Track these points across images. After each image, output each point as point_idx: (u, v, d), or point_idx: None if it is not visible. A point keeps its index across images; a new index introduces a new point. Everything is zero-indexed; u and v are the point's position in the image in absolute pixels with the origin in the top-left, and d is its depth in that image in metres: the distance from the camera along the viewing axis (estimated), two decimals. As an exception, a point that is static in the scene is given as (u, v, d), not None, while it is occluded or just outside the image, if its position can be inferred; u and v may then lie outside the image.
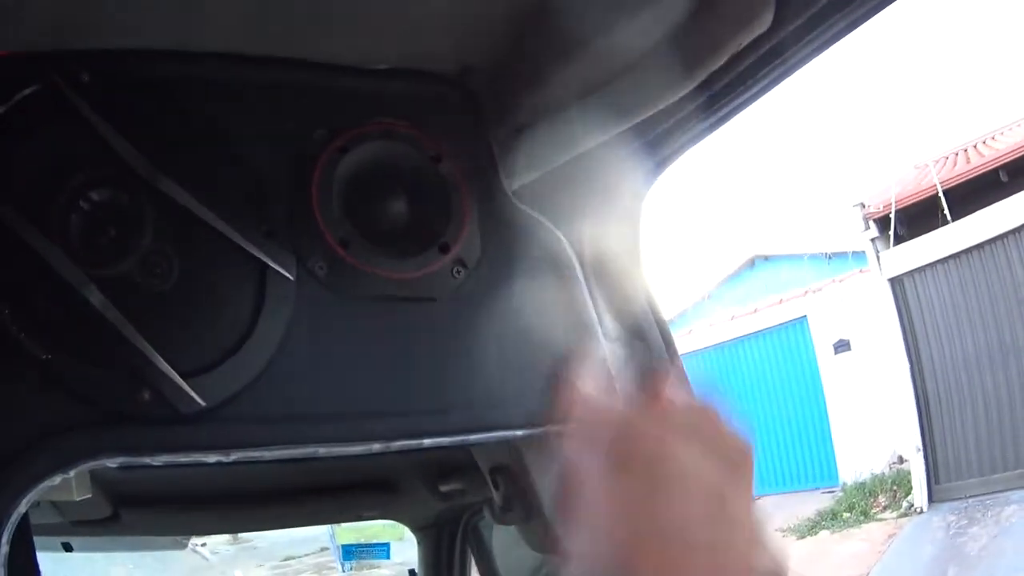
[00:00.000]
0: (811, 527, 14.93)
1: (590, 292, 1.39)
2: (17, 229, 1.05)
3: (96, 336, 1.07)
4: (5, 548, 1.05)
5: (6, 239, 1.05)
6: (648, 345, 1.43)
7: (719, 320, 19.15)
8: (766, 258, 20.41)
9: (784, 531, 15.10)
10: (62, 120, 1.10)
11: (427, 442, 1.20)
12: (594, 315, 1.29)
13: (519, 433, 1.23)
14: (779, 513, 16.08)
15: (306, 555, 14.69)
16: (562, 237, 1.30)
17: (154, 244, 1.12)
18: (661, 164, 1.40)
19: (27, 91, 1.11)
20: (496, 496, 1.49)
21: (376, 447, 1.18)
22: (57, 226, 1.08)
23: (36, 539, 2.70)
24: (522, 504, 1.44)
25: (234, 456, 1.12)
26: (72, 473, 1.08)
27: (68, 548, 2.94)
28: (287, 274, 1.17)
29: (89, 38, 1.15)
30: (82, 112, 1.10)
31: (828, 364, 16.78)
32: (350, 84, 1.28)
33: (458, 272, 1.26)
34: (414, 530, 3.33)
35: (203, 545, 18.48)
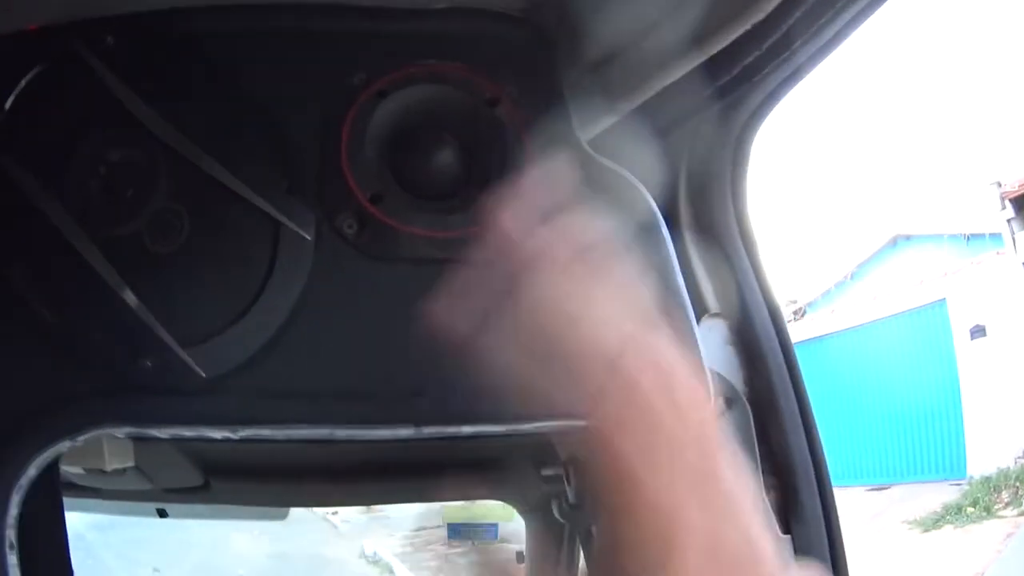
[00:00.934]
0: (935, 521, 14.75)
1: (683, 257, 1.29)
2: (29, 193, 1.03)
3: (99, 301, 1.03)
4: (15, 511, 1.04)
5: (18, 202, 1.03)
6: (752, 323, 1.31)
7: (860, 300, 18.98)
8: (908, 237, 20.14)
9: (910, 523, 14.95)
10: (81, 86, 1.08)
11: (466, 429, 1.09)
12: (681, 284, 1.13)
13: (581, 424, 1.08)
14: (906, 504, 15.96)
15: (437, 527, 14.87)
16: (646, 193, 1.14)
17: (165, 204, 1.07)
18: (762, 107, 1.27)
19: (48, 62, 1.10)
20: (568, 490, 1.38)
21: (404, 432, 1.08)
22: (69, 189, 1.05)
23: (131, 504, 2.76)
24: (592, 503, 1.30)
25: (242, 433, 1.06)
26: (80, 441, 1.05)
27: (163, 514, 3.00)
28: (303, 233, 1.07)
29: (116, 4, 1.12)
30: (100, 76, 1.07)
31: (964, 350, 16.51)
32: (397, 27, 1.17)
33: None
34: (521, 512, 3.29)
35: (334, 514, 18.92)
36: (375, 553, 16.47)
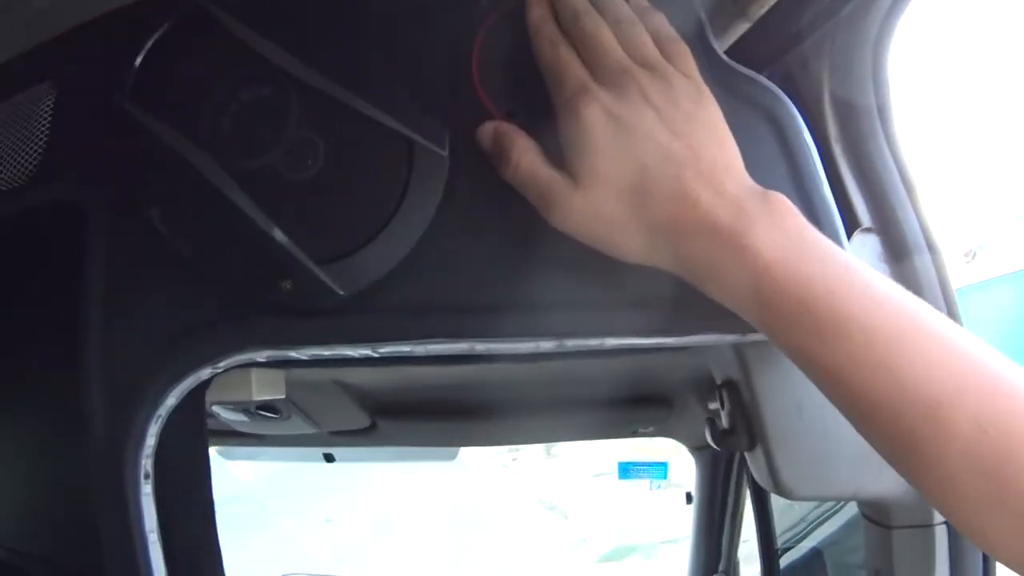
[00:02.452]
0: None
1: (832, 170, 1.28)
2: (165, 137, 1.06)
3: (237, 230, 1.04)
4: (152, 440, 1.08)
5: (155, 150, 1.06)
6: (905, 238, 1.27)
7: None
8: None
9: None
10: (207, 34, 1.09)
11: (610, 342, 1.07)
12: (829, 196, 1.10)
13: (728, 338, 1.07)
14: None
15: (612, 473, 14.90)
16: (787, 100, 1.12)
17: (298, 133, 1.08)
18: (896, 4, 1.21)
19: (174, 17, 1.13)
20: (722, 415, 1.36)
21: (545, 345, 1.08)
22: (203, 132, 1.08)
23: (299, 450, 2.83)
24: (746, 428, 1.28)
25: (383, 350, 1.09)
26: (222, 367, 1.09)
27: (329, 459, 3.06)
28: (438, 149, 1.07)
29: None
30: (222, 21, 1.08)
31: None
32: None
33: None
34: (691, 449, 3.29)
35: (514, 460, 19.02)
36: (552, 499, 16.53)
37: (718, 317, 1.02)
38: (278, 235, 1.03)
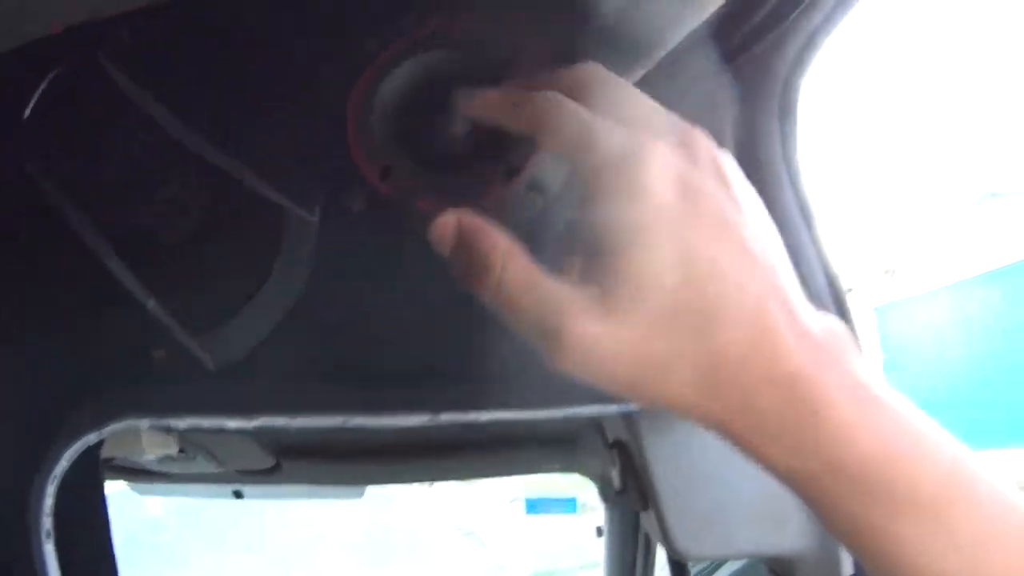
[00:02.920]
0: (1041, 485, 14.58)
1: None
2: (47, 193, 1.06)
3: (113, 296, 1.04)
4: (50, 500, 1.07)
5: (39, 204, 1.07)
6: (804, 278, 1.24)
7: (951, 259, 18.83)
8: (996, 194, 19.89)
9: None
10: (96, 87, 1.08)
11: (485, 416, 1.05)
12: None
13: (612, 409, 1.07)
14: (1002, 474, 15.82)
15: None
16: None
17: (174, 196, 1.07)
18: (806, 50, 1.21)
19: (65, 66, 1.12)
20: (614, 473, 1.35)
21: (418, 420, 1.05)
22: (85, 189, 1.07)
23: (208, 486, 2.81)
24: (638, 489, 1.28)
25: (255, 423, 1.06)
26: (107, 432, 1.06)
27: (239, 495, 3.09)
28: (307, 215, 1.05)
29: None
30: (111, 75, 1.07)
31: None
32: None
33: (533, 201, 1.02)
34: (598, 485, 3.29)
35: (429, 486, 19.12)
36: (469, 526, 16.65)
37: (601, 392, 0.99)
38: (151, 303, 1.02)
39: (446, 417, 1.05)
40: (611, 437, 1.36)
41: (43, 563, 1.06)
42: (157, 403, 1.06)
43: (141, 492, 3.53)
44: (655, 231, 0.63)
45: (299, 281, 1.06)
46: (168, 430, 1.18)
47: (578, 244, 0.71)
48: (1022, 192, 18.22)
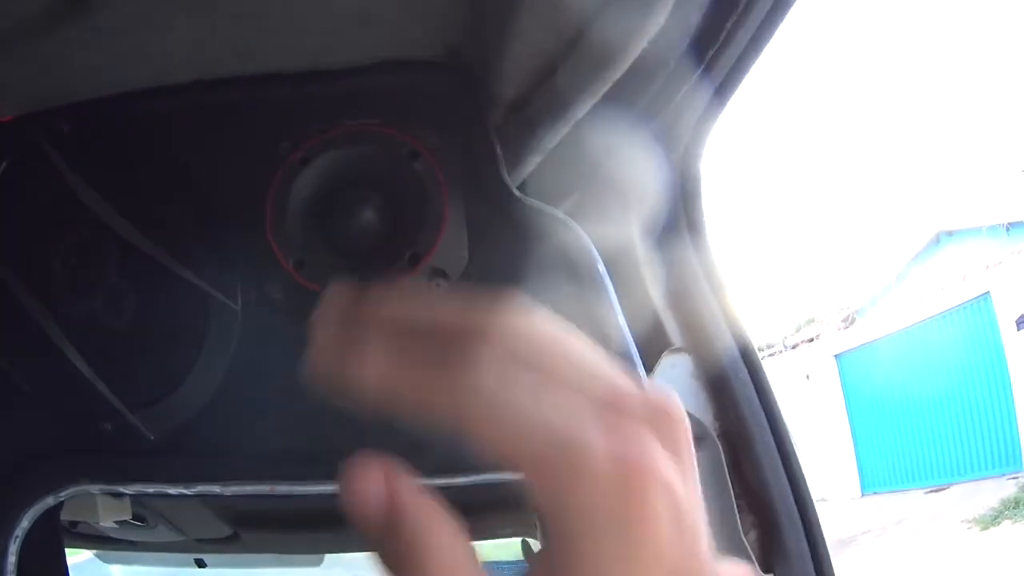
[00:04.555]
0: (994, 517, 14.52)
1: (640, 290, 1.30)
2: (7, 283, 1.12)
3: (64, 373, 1.10)
4: (12, 559, 1.12)
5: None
6: (718, 354, 1.29)
7: (907, 302, 18.87)
8: (950, 233, 19.96)
9: (969, 522, 14.80)
10: (42, 175, 1.15)
11: None
12: (622, 325, 1.12)
13: (519, 475, 1.08)
14: (965, 503, 15.81)
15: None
16: (581, 233, 1.14)
17: (116, 283, 1.14)
18: (704, 118, 1.25)
19: (13, 155, 1.18)
20: (539, 535, 1.38)
21: (338, 487, 1.07)
22: (34, 274, 1.13)
23: (170, 555, 2.77)
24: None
25: (195, 490, 1.14)
26: (63, 496, 1.14)
27: (201, 564, 3.10)
28: (230, 303, 1.13)
29: (72, 94, 1.18)
30: (56, 164, 1.14)
31: (1011, 341, 16.37)
32: (321, 90, 1.19)
33: (439, 284, 1.12)
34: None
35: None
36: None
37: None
38: (95, 381, 1.09)
39: None
40: (530, 505, 1.39)
41: None
42: (106, 471, 1.13)
43: (107, 560, 3.53)
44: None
45: (223, 363, 1.13)
46: (118, 495, 1.24)
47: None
48: (976, 228, 18.32)
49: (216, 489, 1.13)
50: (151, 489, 1.15)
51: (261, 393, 1.13)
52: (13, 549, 1.12)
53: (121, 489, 1.16)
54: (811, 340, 21.14)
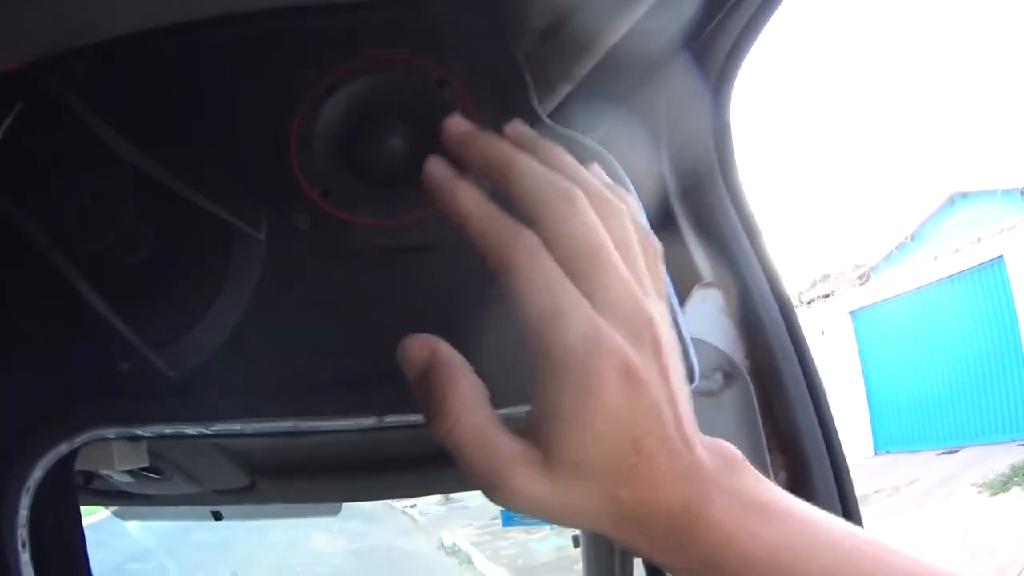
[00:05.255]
0: (1004, 483, 14.59)
1: (671, 225, 1.30)
2: (15, 220, 1.09)
3: (78, 314, 1.08)
4: (25, 512, 1.10)
5: (7, 230, 1.09)
6: (750, 290, 1.29)
7: (922, 262, 18.88)
8: (965, 195, 19.97)
9: (979, 487, 14.86)
10: (57, 117, 1.13)
11: None
12: None
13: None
14: (976, 467, 15.87)
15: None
16: (613, 161, 1.12)
17: (133, 219, 1.11)
18: (736, 49, 1.23)
19: (27, 99, 1.14)
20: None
21: (367, 422, 1.10)
22: (49, 215, 1.10)
23: (186, 508, 2.80)
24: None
25: (215, 428, 1.11)
26: (78, 443, 1.10)
27: (218, 516, 3.16)
28: (254, 232, 1.11)
29: (86, 37, 1.15)
30: (70, 104, 1.11)
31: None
32: (346, 21, 1.17)
33: None
34: None
35: (413, 507, 19.01)
36: (454, 544, 16.55)
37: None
38: (112, 319, 1.06)
39: (391, 419, 1.09)
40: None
41: (19, 573, 1.09)
42: (123, 413, 1.10)
43: (123, 517, 3.54)
44: (600, 423, 0.71)
45: (245, 297, 1.11)
46: (135, 439, 1.20)
47: (533, 392, 0.78)
48: (990, 191, 18.31)
49: (237, 427, 1.11)
50: (169, 430, 1.12)
51: (285, 326, 1.12)
52: (25, 502, 1.10)
53: (139, 432, 1.12)
54: (826, 296, 21.20)
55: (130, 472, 2.30)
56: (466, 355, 0.97)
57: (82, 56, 1.14)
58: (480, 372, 0.98)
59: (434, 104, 1.12)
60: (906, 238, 20.59)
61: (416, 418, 1.08)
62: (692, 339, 1.07)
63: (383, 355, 1.05)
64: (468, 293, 1.09)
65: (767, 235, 1.30)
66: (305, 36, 1.16)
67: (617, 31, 1.10)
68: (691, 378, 1.05)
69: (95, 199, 1.11)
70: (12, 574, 1.09)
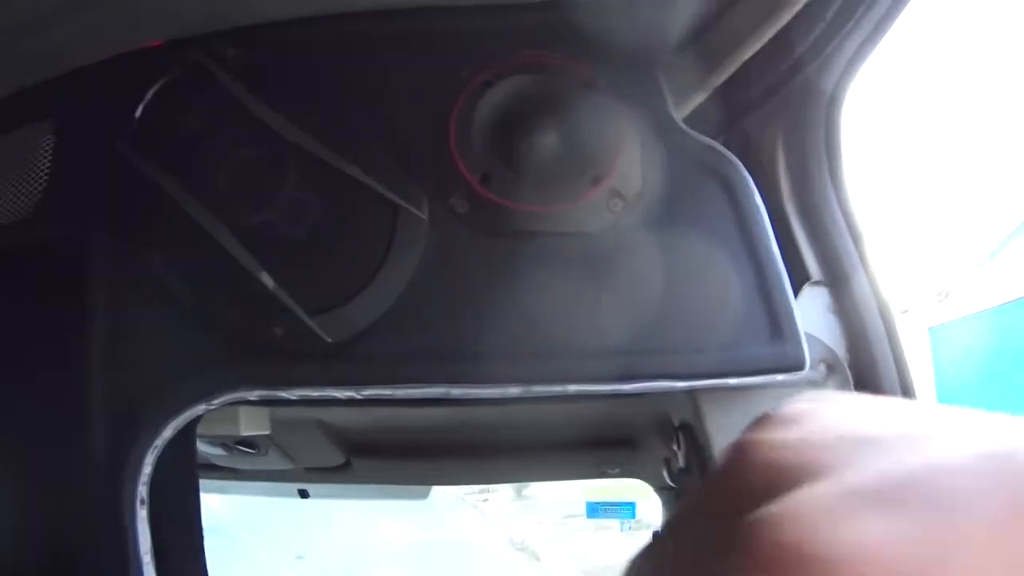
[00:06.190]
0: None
1: (783, 227, 1.33)
2: (167, 188, 1.15)
3: (234, 279, 1.14)
4: (148, 469, 1.16)
5: (158, 197, 1.15)
6: (852, 290, 1.33)
7: (1002, 278, 18.55)
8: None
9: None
10: (206, 93, 1.19)
11: (572, 389, 1.14)
12: (776, 253, 1.17)
13: (680, 385, 1.14)
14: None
15: (584, 514, 14.79)
16: (741, 168, 1.19)
17: (294, 194, 1.17)
18: (851, 65, 1.28)
19: (174, 72, 1.22)
20: (679, 454, 1.43)
21: (513, 391, 1.15)
22: (202, 185, 1.16)
23: (274, 484, 2.80)
24: (700, 467, 1.36)
25: (365, 392, 1.16)
26: (216, 404, 1.17)
27: (304, 495, 3.12)
28: (418, 213, 1.17)
29: (236, 19, 1.22)
30: (224, 83, 1.18)
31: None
32: (498, 23, 1.24)
33: (615, 204, 1.17)
34: (656, 489, 3.31)
35: (485, 501, 18.87)
36: (523, 540, 16.42)
37: (670, 365, 1.11)
38: (271, 285, 1.12)
39: (538, 389, 1.14)
40: (676, 421, 1.44)
41: (135, 529, 1.15)
42: (271, 376, 1.16)
43: (205, 490, 3.56)
44: None
45: (408, 271, 1.16)
46: (275, 402, 1.22)
47: None
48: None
49: (388, 392, 1.16)
50: (316, 393, 1.16)
51: (442, 303, 1.17)
52: (150, 459, 1.16)
53: (284, 394, 1.17)
54: (904, 311, 20.92)
55: (224, 445, 2.37)
56: (608, 334, 1.05)
57: (228, 39, 1.21)
58: (619, 351, 1.06)
59: (584, 104, 1.20)
60: (987, 255, 20.22)
61: (559, 388, 1.15)
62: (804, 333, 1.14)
63: (532, 330, 1.14)
64: (617, 276, 1.17)
65: (870, 240, 1.36)
66: (461, 35, 1.24)
67: (749, 48, 1.17)
68: (802, 367, 1.11)
69: (254, 172, 1.18)
70: (128, 530, 1.14)
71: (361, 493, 3.31)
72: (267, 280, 1.13)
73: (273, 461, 2.56)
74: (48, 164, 1.25)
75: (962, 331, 19.00)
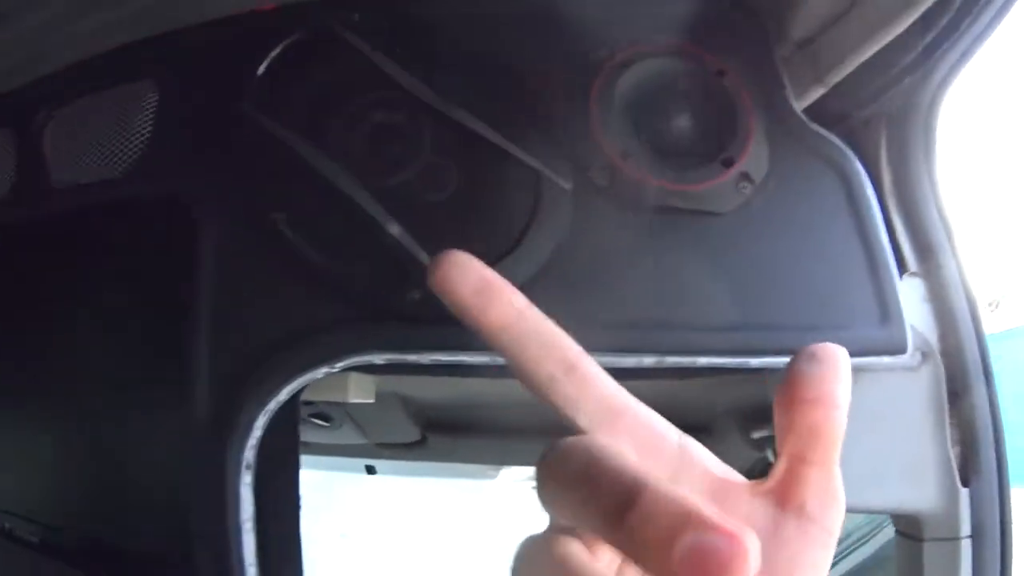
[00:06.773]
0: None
1: (887, 219, 1.35)
2: (296, 148, 1.15)
3: (369, 241, 1.14)
4: (258, 432, 1.14)
5: (284, 157, 1.15)
6: (945, 282, 1.38)
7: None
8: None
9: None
10: (336, 55, 1.21)
11: (702, 360, 1.17)
12: (887, 245, 1.23)
13: (783, 360, 1.17)
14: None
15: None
16: (855, 160, 1.25)
17: (433, 158, 1.19)
18: (955, 68, 1.31)
19: (299, 34, 1.24)
20: (769, 453, 1.45)
21: (648, 360, 1.16)
22: (333, 146, 1.17)
23: (340, 459, 2.78)
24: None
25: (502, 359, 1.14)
26: (339, 367, 1.15)
27: (371, 471, 3.17)
28: (562, 183, 1.19)
29: None
30: (356, 46, 1.20)
31: None
32: (632, 10, 1.29)
33: (744, 187, 1.22)
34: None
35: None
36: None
37: (791, 341, 1.15)
38: (411, 247, 1.13)
39: (671, 360, 1.17)
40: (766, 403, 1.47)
41: (237, 495, 1.14)
42: (401, 340, 1.15)
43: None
44: None
45: (551, 241, 1.18)
46: (401, 367, 1.18)
47: None
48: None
49: None
50: (446, 357, 1.14)
51: (585, 273, 1.18)
52: (261, 423, 1.14)
53: (414, 358, 1.15)
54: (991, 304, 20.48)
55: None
56: (733, 309, 1.13)
57: (355, 5, 1.24)
58: (745, 325, 1.14)
59: (714, 90, 1.26)
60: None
61: (690, 360, 1.18)
62: None
63: (666, 302, 1.18)
64: (742, 255, 1.22)
65: (959, 234, 1.41)
66: (594, 20, 1.28)
67: (869, 49, 1.21)
68: (904, 350, 1.18)
69: (387, 136, 1.20)
70: (229, 496, 1.13)
71: (430, 471, 3.33)
72: (405, 239, 1.13)
73: (345, 435, 2.57)
74: (149, 123, 1.29)
75: (1013, 342, 18.69)
